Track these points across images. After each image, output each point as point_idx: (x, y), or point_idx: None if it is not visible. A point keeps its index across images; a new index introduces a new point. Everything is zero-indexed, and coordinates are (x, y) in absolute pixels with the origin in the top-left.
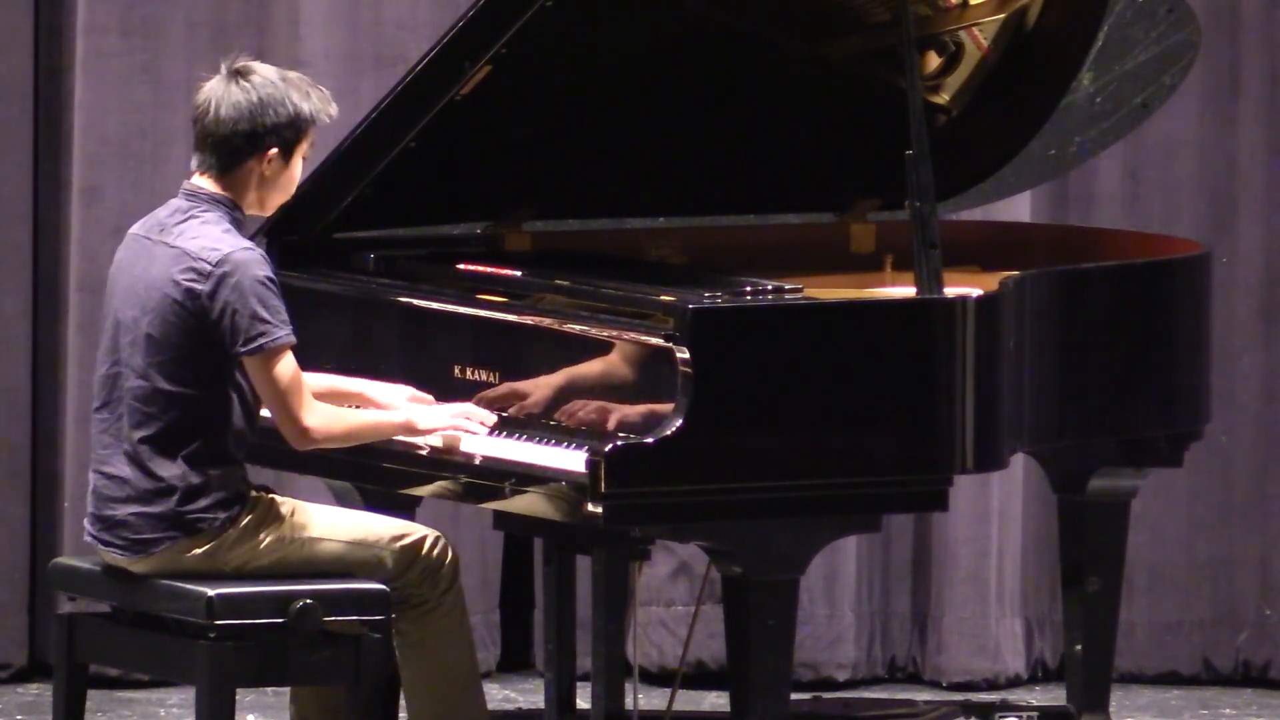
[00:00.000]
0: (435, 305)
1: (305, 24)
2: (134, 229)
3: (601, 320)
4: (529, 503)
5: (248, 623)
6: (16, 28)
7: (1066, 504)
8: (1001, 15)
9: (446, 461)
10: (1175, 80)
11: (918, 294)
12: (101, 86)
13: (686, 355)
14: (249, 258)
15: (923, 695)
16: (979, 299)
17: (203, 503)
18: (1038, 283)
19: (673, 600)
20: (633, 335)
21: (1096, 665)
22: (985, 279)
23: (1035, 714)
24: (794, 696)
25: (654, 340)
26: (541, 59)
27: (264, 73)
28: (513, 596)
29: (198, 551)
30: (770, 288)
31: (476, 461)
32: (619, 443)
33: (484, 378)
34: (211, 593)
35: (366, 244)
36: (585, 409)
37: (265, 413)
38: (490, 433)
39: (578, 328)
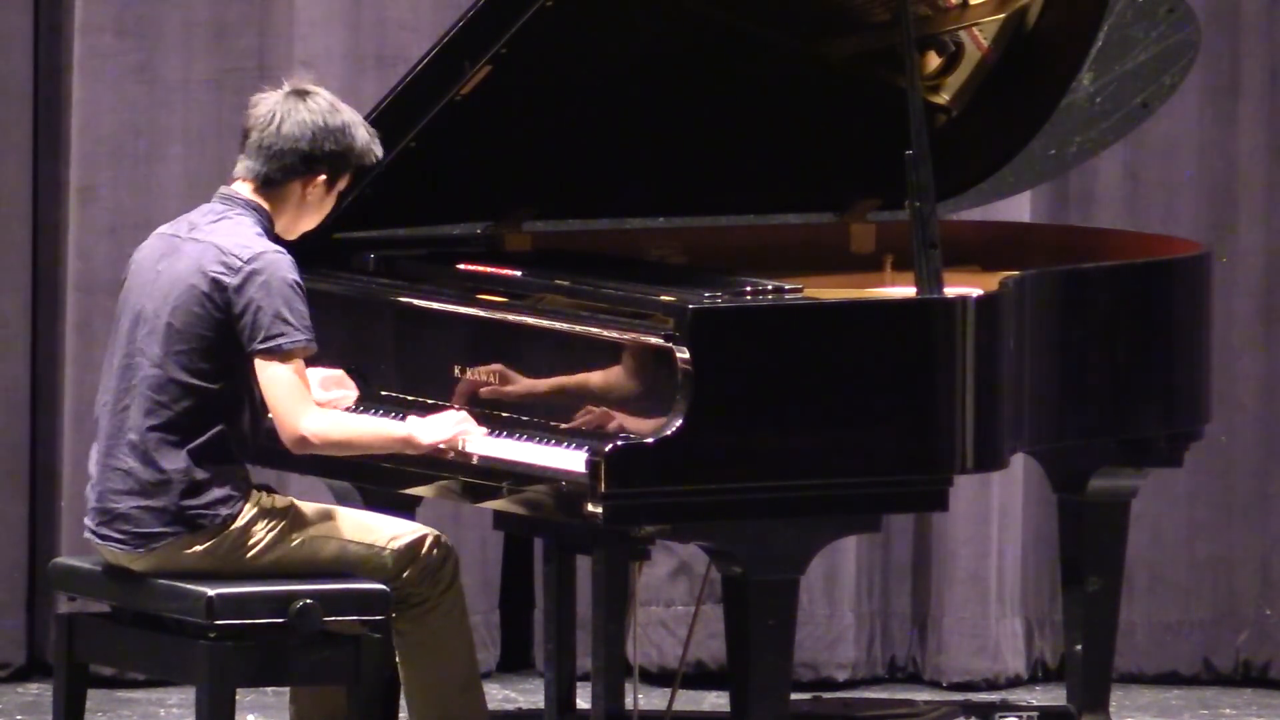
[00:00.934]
0: (435, 305)
1: (305, 24)
2: (160, 229)
3: (601, 320)
4: (529, 503)
5: (248, 623)
6: (16, 28)
7: (1066, 504)
8: (1001, 15)
9: (446, 461)
10: (1175, 80)
11: (918, 294)
12: (97, 86)
13: (686, 355)
14: (281, 259)
15: (923, 695)
16: (979, 299)
17: (204, 498)
18: (1038, 283)
19: (673, 600)
20: (633, 335)
21: (1096, 665)
22: (985, 279)
23: (1035, 714)
24: (794, 696)
25: (654, 340)
26: (541, 59)
27: (326, 97)
28: (513, 596)
29: (198, 548)
30: (770, 288)
31: (476, 461)
32: (619, 443)
33: (484, 378)
34: (211, 592)
35: (366, 244)
36: (585, 409)
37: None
38: (490, 433)
39: (578, 328)
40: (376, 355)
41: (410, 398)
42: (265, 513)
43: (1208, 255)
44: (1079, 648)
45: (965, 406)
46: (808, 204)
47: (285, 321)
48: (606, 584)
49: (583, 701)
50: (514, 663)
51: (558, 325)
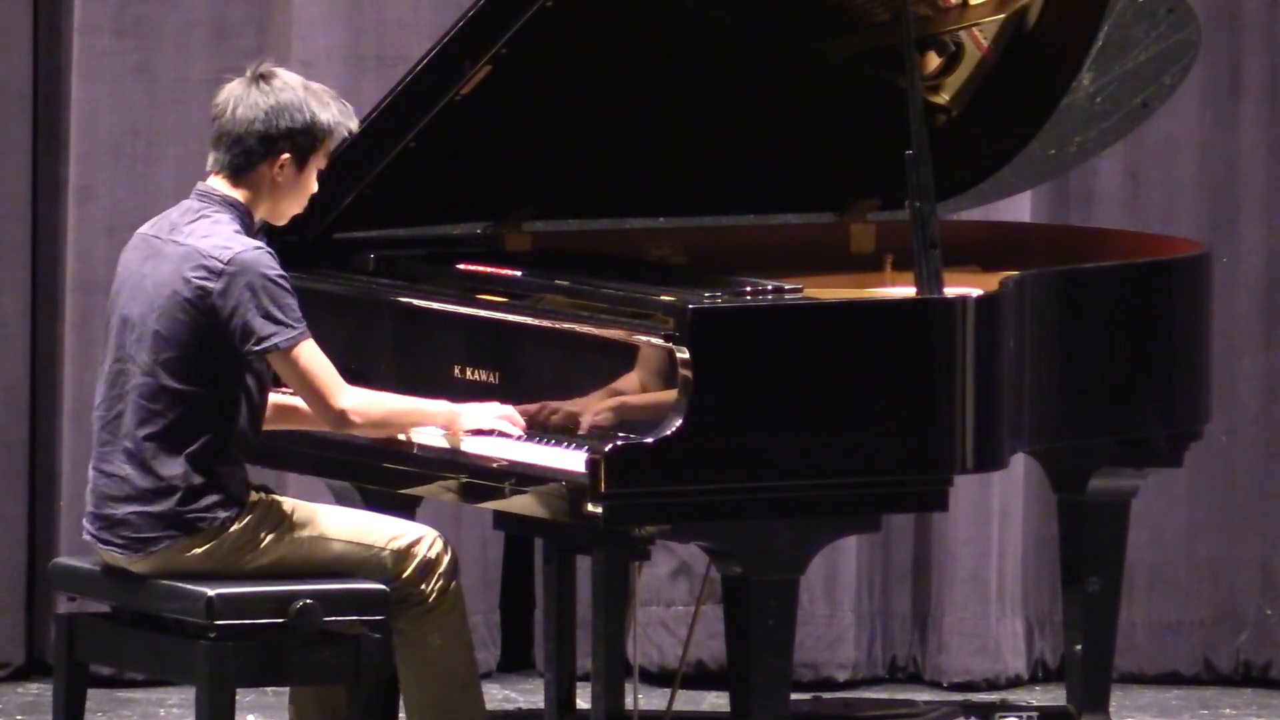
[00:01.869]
0: (435, 305)
1: (305, 24)
2: (142, 229)
3: (601, 320)
4: (529, 503)
5: (248, 623)
6: (15, 28)
7: (1066, 504)
8: (1001, 15)
9: (446, 461)
10: (1175, 80)
11: (918, 294)
12: (96, 86)
13: (686, 355)
14: (258, 256)
15: (923, 695)
16: (979, 299)
17: (204, 502)
18: (1038, 283)
19: (673, 600)
20: (633, 335)
21: (1096, 665)
22: (985, 279)
23: (1035, 714)
24: (794, 696)
25: (654, 340)
26: (541, 59)
27: (286, 78)
28: (513, 596)
29: (198, 551)
30: (770, 288)
31: (476, 461)
32: (619, 443)
33: (484, 378)
34: (211, 593)
35: (366, 244)
36: (585, 409)
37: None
38: (489, 433)
39: (578, 328)
40: (376, 355)
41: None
42: (264, 514)
43: (1208, 255)
44: (1079, 648)
45: (965, 406)
46: (808, 204)
47: (275, 320)
48: (606, 584)
49: (583, 701)
50: (514, 663)
51: (558, 325)
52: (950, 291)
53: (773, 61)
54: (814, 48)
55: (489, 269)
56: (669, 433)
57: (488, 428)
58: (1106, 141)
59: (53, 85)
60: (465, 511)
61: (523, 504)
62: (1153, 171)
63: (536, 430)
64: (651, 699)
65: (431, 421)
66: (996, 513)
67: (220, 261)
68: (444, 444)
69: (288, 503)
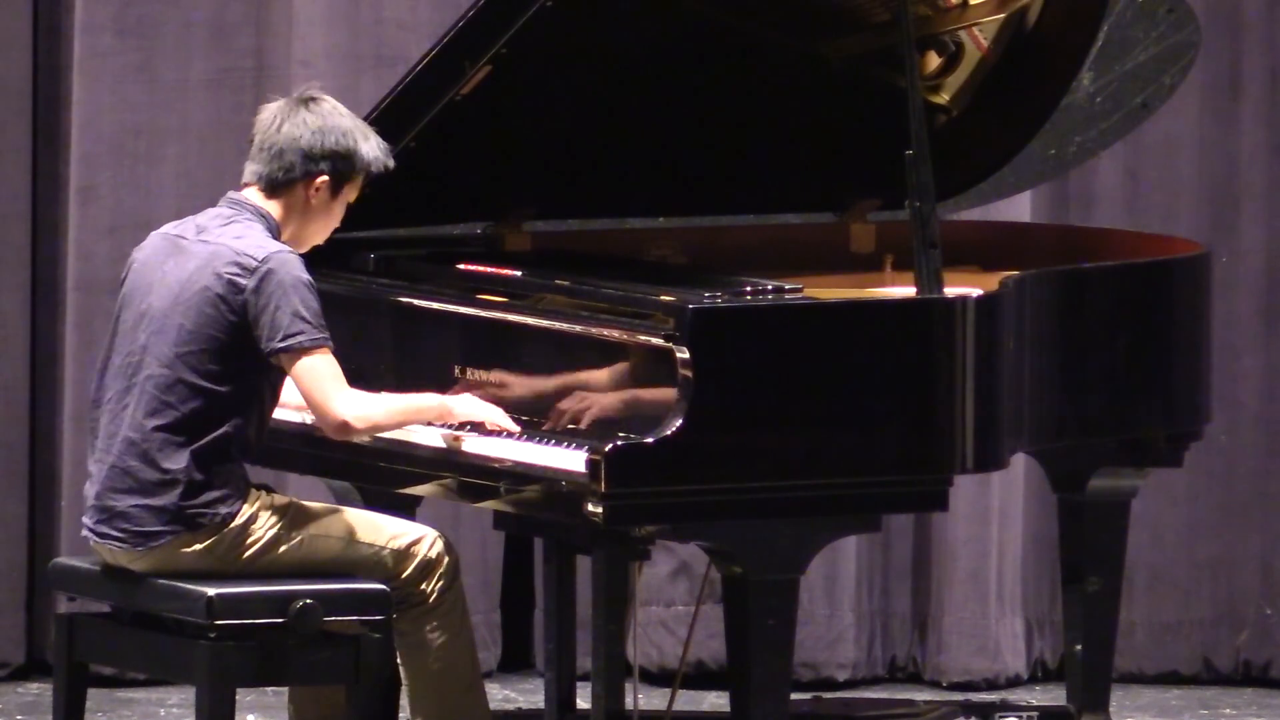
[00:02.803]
0: (436, 305)
1: (304, 24)
2: (163, 230)
3: (601, 320)
4: (529, 503)
5: (248, 623)
6: (16, 28)
7: (1066, 504)
8: (1001, 15)
9: (446, 461)
10: (1175, 80)
11: (918, 294)
12: (97, 86)
13: (686, 355)
14: (292, 258)
15: (923, 695)
16: (979, 299)
17: (204, 498)
18: (1038, 283)
19: (673, 600)
20: (633, 335)
21: (1096, 665)
22: (985, 279)
23: (1035, 714)
24: (794, 696)
25: (654, 340)
26: (541, 59)
27: (334, 104)
28: (513, 596)
29: (198, 547)
30: (770, 288)
31: (475, 461)
32: (619, 443)
33: (484, 378)
34: (211, 592)
35: (366, 244)
36: (585, 409)
37: (276, 414)
38: (489, 432)
39: (578, 328)
40: (376, 355)
41: None
42: (264, 512)
43: (1208, 255)
44: (1079, 648)
45: (965, 406)
46: (808, 204)
47: (303, 319)
48: (606, 584)
49: (583, 701)
50: (514, 663)
51: (558, 325)
52: (950, 291)
53: (773, 61)
54: (814, 48)
55: (489, 269)
56: (669, 433)
57: (479, 419)
58: (1106, 141)
59: (53, 85)
60: (465, 511)
61: (522, 504)
62: (1152, 171)
63: (536, 430)
64: (651, 699)
65: (426, 415)
66: (996, 513)
67: (255, 259)
68: (443, 444)
69: (288, 501)
